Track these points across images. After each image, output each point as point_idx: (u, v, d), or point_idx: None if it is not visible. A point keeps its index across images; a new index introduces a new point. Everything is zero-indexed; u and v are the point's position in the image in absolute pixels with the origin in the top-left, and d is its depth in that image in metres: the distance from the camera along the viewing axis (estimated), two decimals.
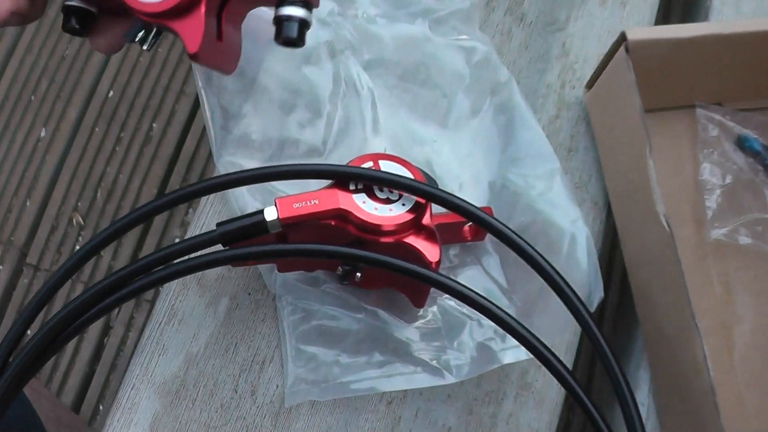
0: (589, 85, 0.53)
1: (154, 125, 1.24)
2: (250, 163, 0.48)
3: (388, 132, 0.50)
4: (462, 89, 0.51)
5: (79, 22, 0.41)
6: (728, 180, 0.52)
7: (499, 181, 0.49)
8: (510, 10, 0.57)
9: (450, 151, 0.50)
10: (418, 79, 0.52)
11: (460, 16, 0.53)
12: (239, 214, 0.41)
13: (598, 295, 0.43)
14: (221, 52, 0.41)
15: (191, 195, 0.41)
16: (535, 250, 0.40)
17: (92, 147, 1.23)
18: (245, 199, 0.47)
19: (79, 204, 1.21)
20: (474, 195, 0.50)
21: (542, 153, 0.49)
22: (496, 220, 0.40)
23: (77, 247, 1.17)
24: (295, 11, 0.39)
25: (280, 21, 0.39)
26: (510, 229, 0.40)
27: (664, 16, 0.60)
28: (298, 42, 0.39)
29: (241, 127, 0.49)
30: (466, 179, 0.50)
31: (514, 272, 0.48)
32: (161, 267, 0.40)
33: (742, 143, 0.53)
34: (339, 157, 0.49)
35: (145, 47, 0.41)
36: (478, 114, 0.51)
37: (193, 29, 0.39)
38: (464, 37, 0.53)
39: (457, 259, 0.48)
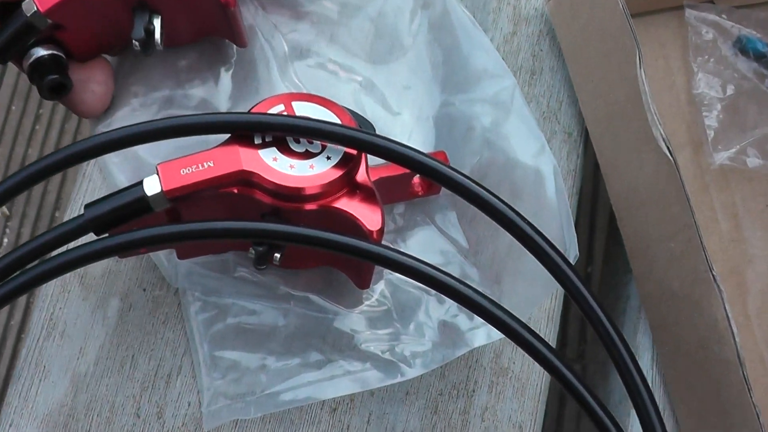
0: None
1: None
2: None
3: (301, 73, 0.40)
4: (386, 5, 0.41)
5: (58, 72, 0.35)
6: (729, 91, 0.42)
7: (446, 114, 0.39)
8: None
9: (384, 86, 0.40)
10: (335, 3, 0.41)
11: None
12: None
13: (573, 252, 0.34)
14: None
15: (36, 175, 0.31)
16: (504, 203, 0.30)
17: (10, 128, 1.11)
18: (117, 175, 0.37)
19: None
20: (418, 137, 0.40)
21: (494, 72, 0.39)
22: (452, 169, 0.31)
23: (5, 240, 1.06)
24: None
25: None
26: (470, 179, 0.30)
27: None
28: None
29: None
30: (406, 118, 0.40)
31: (475, 229, 0.38)
32: (23, 270, 0.30)
33: (742, 46, 0.43)
34: (244, 108, 0.39)
35: (158, 43, 0.36)
36: (411, 38, 0.41)
37: None
38: None
39: (403, 219, 0.38)
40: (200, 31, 0.38)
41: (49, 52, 0.34)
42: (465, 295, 0.30)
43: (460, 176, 0.30)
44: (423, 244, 0.37)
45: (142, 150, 0.37)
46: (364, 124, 0.33)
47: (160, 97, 0.39)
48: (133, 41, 0.34)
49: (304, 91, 0.39)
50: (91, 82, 0.37)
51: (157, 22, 0.35)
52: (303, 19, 0.40)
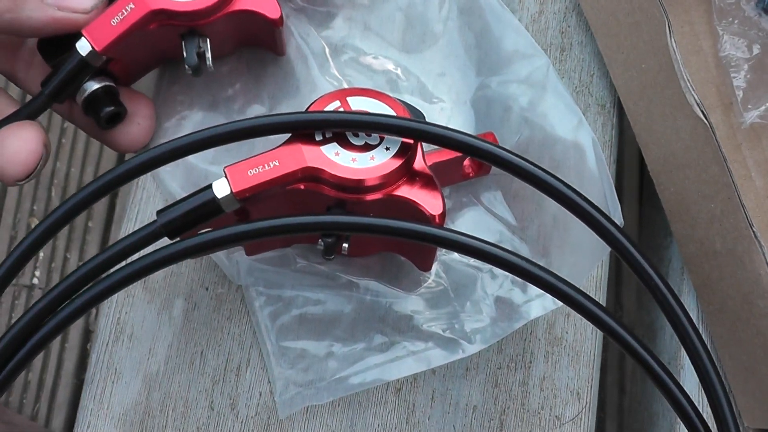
0: None
1: None
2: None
3: (339, 68, 0.41)
4: None
5: (114, 103, 0.37)
6: (755, 51, 0.43)
7: (482, 97, 0.41)
8: None
9: (419, 74, 0.41)
10: None
11: None
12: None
13: (618, 219, 0.35)
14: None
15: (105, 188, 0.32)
16: (552, 175, 0.31)
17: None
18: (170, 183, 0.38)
19: (35, 207, 1.11)
20: (458, 121, 0.41)
21: (526, 52, 0.40)
22: (501, 148, 0.32)
23: (41, 255, 1.08)
24: None
25: None
26: (520, 157, 0.32)
27: None
28: None
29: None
30: (445, 103, 0.41)
31: (520, 205, 0.40)
32: (101, 278, 0.32)
33: (765, 5, 0.43)
34: (286, 106, 0.40)
35: (209, 65, 0.37)
36: (442, 24, 0.42)
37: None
38: None
39: (449, 201, 0.40)
40: (243, 44, 0.40)
41: (102, 84, 0.36)
42: (523, 268, 0.31)
43: (510, 155, 0.31)
44: (473, 224, 0.39)
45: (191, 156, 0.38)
46: (414, 113, 0.34)
47: (204, 103, 0.40)
48: (186, 66, 0.36)
49: (351, 86, 0.40)
50: (137, 116, 0.38)
51: (206, 46, 0.36)
52: (335, 15, 0.41)
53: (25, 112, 0.35)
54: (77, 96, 0.36)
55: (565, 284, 0.31)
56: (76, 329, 1.01)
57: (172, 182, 0.39)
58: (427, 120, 0.36)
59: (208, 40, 0.36)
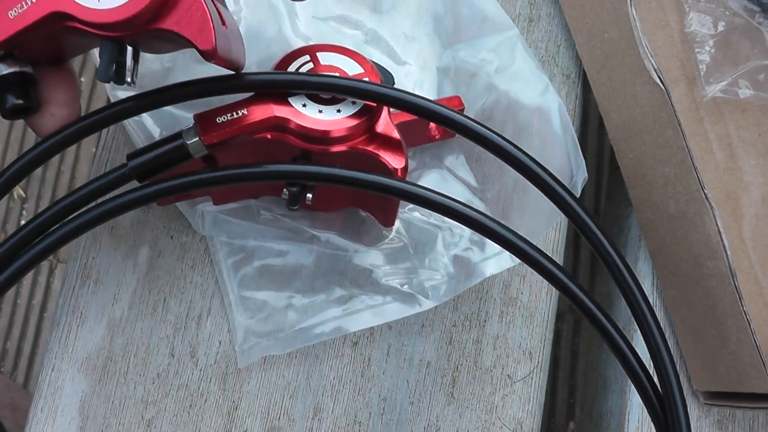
0: None
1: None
2: None
3: (309, 26, 0.41)
4: None
5: (23, 96, 0.31)
6: (720, 28, 0.43)
7: (451, 64, 0.41)
8: None
9: (389, 37, 0.42)
10: None
11: None
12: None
13: (582, 175, 0.36)
14: (231, 41, 0.31)
15: (81, 132, 0.33)
16: (511, 143, 0.32)
17: None
18: (149, 128, 0.38)
19: None
20: (424, 85, 0.41)
21: (495, 22, 0.41)
22: (463, 115, 0.33)
23: (22, 222, 1.08)
24: None
25: None
26: (480, 124, 0.32)
27: None
28: None
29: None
30: (412, 67, 0.42)
31: (482, 167, 0.40)
32: (70, 217, 0.32)
33: None
34: (256, 65, 0.41)
35: (129, 80, 0.30)
36: None
37: (195, 20, 0.29)
38: None
39: (413, 161, 0.40)
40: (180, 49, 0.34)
41: (13, 69, 0.31)
42: (482, 223, 0.32)
43: (469, 121, 0.32)
44: (435, 185, 0.39)
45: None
46: (384, 73, 0.35)
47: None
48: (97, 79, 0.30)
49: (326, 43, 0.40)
50: (53, 104, 0.32)
51: (128, 55, 0.30)
52: None
53: None
54: None
55: (522, 240, 0.32)
56: (54, 299, 1.02)
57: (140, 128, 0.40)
58: (395, 79, 0.37)
59: (132, 50, 0.29)
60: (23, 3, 0.29)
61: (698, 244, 0.35)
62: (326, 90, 0.33)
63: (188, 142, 0.32)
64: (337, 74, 0.34)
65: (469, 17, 0.42)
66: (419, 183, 0.40)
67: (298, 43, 0.41)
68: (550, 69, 0.43)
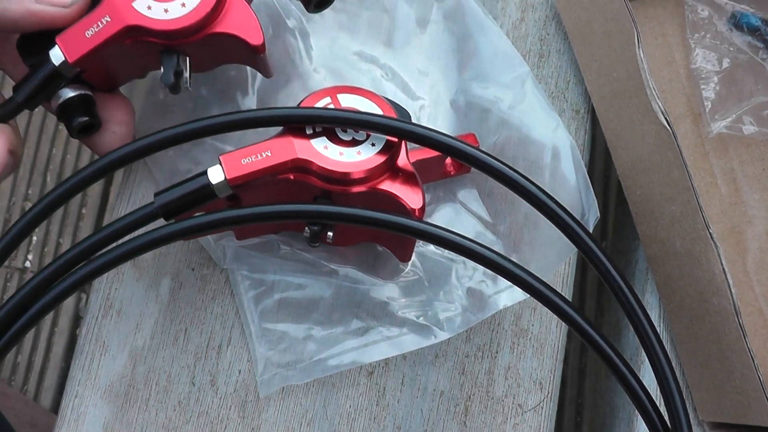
0: None
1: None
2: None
3: (326, 63, 0.43)
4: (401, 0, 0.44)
5: (88, 114, 0.35)
6: (725, 64, 0.45)
7: (462, 99, 0.43)
8: None
9: (403, 72, 0.43)
10: None
11: None
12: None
13: (594, 214, 0.37)
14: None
15: (102, 171, 0.34)
16: (526, 178, 0.33)
17: (34, 129, 1.15)
18: (172, 164, 0.40)
19: (30, 191, 1.12)
20: (437, 119, 0.43)
21: (507, 59, 0.42)
22: (479, 150, 0.34)
23: (34, 239, 1.10)
24: None
25: None
26: (496, 159, 0.34)
27: None
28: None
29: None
30: (426, 101, 0.43)
31: (494, 202, 0.42)
32: (100, 253, 0.33)
33: (737, 21, 0.46)
34: (276, 101, 0.42)
35: (188, 86, 0.35)
36: (426, 26, 0.44)
37: (244, 21, 0.35)
38: None
39: (428, 195, 0.42)
40: (228, 63, 0.40)
41: (77, 92, 0.35)
42: (495, 262, 0.33)
43: (487, 157, 0.33)
44: (449, 219, 0.41)
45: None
46: (401, 112, 0.36)
47: (196, 89, 0.42)
48: (162, 85, 0.34)
49: (339, 82, 0.42)
50: (113, 123, 0.36)
51: (185, 65, 0.35)
52: (326, 12, 0.43)
53: None
54: (53, 101, 0.35)
55: (533, 278, 0.33)
56: (66, 314, 1.03)
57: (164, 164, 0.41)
58: (411, 116, 0.38)
59: (187, 59, 0.35)
60: (99, 22, 0.33)
61: (703, 280, 0.36)
62: (354, 125, 0.34)
63: (214, 183, 0.33)
64: (362, 111, 0.35)
65: (480, 52, 0.43)
66: (433, 217, 0.41)
67: (315, 79, 0.42)
68: (560, 104, 0.44)
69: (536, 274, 0.36)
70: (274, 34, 0.42)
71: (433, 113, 0.43)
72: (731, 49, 0.46)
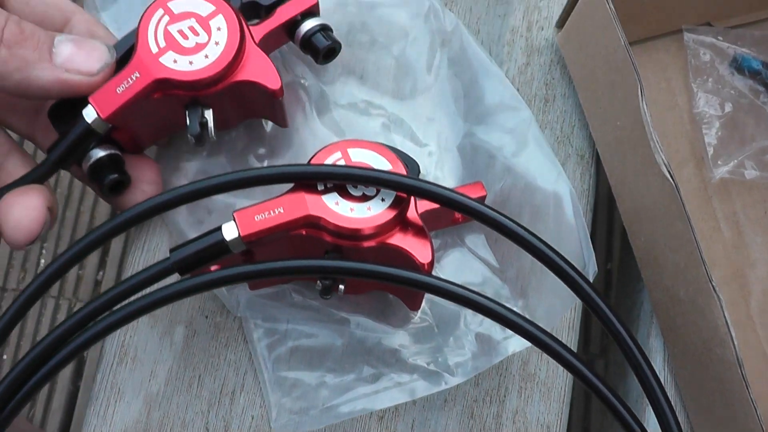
0: (560, 23, 0.46)
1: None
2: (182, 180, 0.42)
3: (335, 111, 0.44)
4: (409, 48, 0.45)
5: (119, 171, 0.37)
6: (727, 109, 0.46)
7: (469, 144, 0.43)
8: None
9: (410, 120, 0.44)
10: (362, 42, 0.45)
11: None
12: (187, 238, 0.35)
13: (593, 268, 0.38)
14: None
15: (120, 228, 0.35)
16: (531, 233, 0.34)
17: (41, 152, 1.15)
18: (184, 213, 0.41)
19: (44, 245, 1.13)
20: (445, 165, 0.44)
21: (511, 104, 0.43)
22: (486, 206, 0.35)
23: (42, 261, 1.10)
24: (312, 22, 0.40)
25: (307, 40, 0.41)
26: (503, 216, 0.34)
27: None
28: (335, 49, 0.41)
29: None
30: (433, 148, 0.44)
31: (500, 248, 0.42)
32: (117, 308, 0.34)
33: (738, 65, 0.47)
34: (286, 148, 0.43)
35: (212, 137, 0.38)
36: (431, 71, 0.45)
37: (262, 68, 0.37)
38: None
39: (436, 241, 0.42)
40: (247, 117, 0.42)
41: (107, 152, 0.36)
42: (504, 317, 0.33)
43: (493, 213, 0.34)
44: (457, 264, 0.42)
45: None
46: (410, 163, 0.37)
47: (207, 144, 0.43)
48: (189, 136, 0.36)
49: (348, 131, 0.43)
50: (142, 181, 0.38)
51: (209, 116, 0.37)
52: (333, 61, 0.44)
53: (32, 177, 0.36)
54: (83, 162, 0.36)
55: (539, 330, 0.34)
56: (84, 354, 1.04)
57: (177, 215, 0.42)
58: (419, 166, 0.39)
59: (211, 110, 0.37)
60: (129, 78, 0.35)
61: (707, 330, 0.37)
62: (364, 182, 0.35)
63: (228, 240, 0.34)
64: (372, 168, 0.36)
65: (485, 98, 0.44)
66: (441, 262, 0.42)
67: (325, 131, 0.43)
68: (565, 149, 0.45)
69: (543, 320, 0.37)
70: (284, 84, 0.43)
71: (440, 159, 0.44)
72: (733, 92, 0.46)
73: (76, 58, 0.34)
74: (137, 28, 0.36)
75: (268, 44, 0.40)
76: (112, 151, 0.37)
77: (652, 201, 0.39)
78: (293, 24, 0.41)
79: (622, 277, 0.48)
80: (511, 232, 0.35)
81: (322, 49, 0.40)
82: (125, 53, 0.37)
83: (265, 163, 0.43)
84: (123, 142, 0.38)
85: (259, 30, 0.39)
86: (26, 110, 0.39)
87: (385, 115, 0.44)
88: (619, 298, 0.51)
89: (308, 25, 0.40)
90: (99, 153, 0.36)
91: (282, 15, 0.40)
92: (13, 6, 0.36)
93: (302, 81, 0.44)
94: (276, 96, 0.38)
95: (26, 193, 0.35)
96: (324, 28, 0.41)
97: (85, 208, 1.12)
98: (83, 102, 0.35)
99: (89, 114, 0.35)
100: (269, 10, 0.40)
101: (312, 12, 0.41)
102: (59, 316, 1.06)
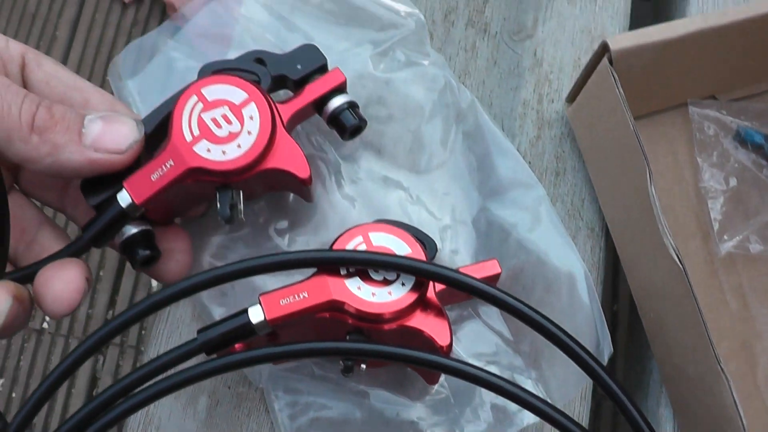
0: (570, 98, 0.48)
1: None
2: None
3: (354, 187, 0.45)
4: (425, 122, 0.47)
5: (150, 247, 0.38)
6: (732, 183, 0.47)
7: (483, 219, 0.45)
8: (471, 22, 0.52)
9: (426, 194, 0.46)
10: (380, 116, 0.47)
11: (409, 41, 0.47)
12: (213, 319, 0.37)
13: (608, 348, 0.39)
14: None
15: (144, 313, 0.36)
16: (545, 317, 0.36)
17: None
18: (207, 295, 0.42)
19: None
20: (460, 239, 0.45)
21: (525, 180, 0.45)
22: (501, 291, 0.36)
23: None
24: (340, 99, 0.41)
25: (335, 117, 0.41)
26: (519, 301, 0.36)
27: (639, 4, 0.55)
28: (362, 127, 0.42)
29: None
30: (448, 221, 0.45)
31: (515, 321, 0.43)
32: (144, 387, 0.36)
33: (741, 138, 0.48)
34: (306, 221, 0.45)
35: (242, 217, 0.38)
36: (447, 146, 0.46)
37: (292, 156, 0.38)
38: (416, 62, 0.48)
39: (452, 313, 0.44)
40: (273, 191, 0.43)
41: (139, 228, 0.37)
42: (517, 395, 0.35)
43: (510, 299, 0.36)
44: (472, 336, 0.43)
45: None
46: (428, 243, 0.39)
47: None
48: (219, 217, 0.37)
49: (359, 206, 0.44)
50: (176, 251, 0.40)
51: (238, 198, 0.38)
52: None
53: (68, 252, 0.37)
54: (116, 237, 0.37)
55: (553, 409, 0.35)
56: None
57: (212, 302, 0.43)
58: (437, 244, 0.41)
59: (241, 192, 0.38)
60: (163, 166, 0.36)
61: (716, 407, 0.38)
62: (385, 267, 0.36)
63: (254, 322, 0.35)
64: (392, 254, 0.37)
65: (499, 173, 0.45)
66: (457, 335, 0.43)
67: (342, 204, 0.44)
68: (576, 222, 0.47)
69: (558, 392, 0.40)
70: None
71: (455, 233, 0.45)
72: (737, 166, 0.48)
73: (105, 137, 0.35)
74: (172, 114, 0.37)
75: (295, 120, 0.41)
76: (144, 228, 0.38)
77: (661, 280, 0.41)
78: (322, 100, 0.41)
79: (631, 344, 0.50)
80: (526, 316, 0.36)
81: (350, 127, 0.41)
82: (155, 129, 0.38)
83: (287, 237, 0.44)
84: (155, 218, 0.39)
85: (289, 108, 0.40)
86: (55, 185, 0.40)
87: (402, 188, 0.46)
88: (628, 363, 0.53)
89: (336, 102, 0.41)
90: (131, 230, 0.37)
91: (311, 92, 0.41)
92: (33, 87, 0.37)
93: (322, 154, 0.46)
94: (305, 184, 0.39)
95: (65, 267, 0.35)
96: (352, 106, 0.42)
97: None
98: (115, 175, 0.36)
99: (124, 198, 0.36)
100: (298, 85, 0.41)
101: (340, 89, 0.42)
102: None
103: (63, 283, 0.35)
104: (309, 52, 0.42)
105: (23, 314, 0.35)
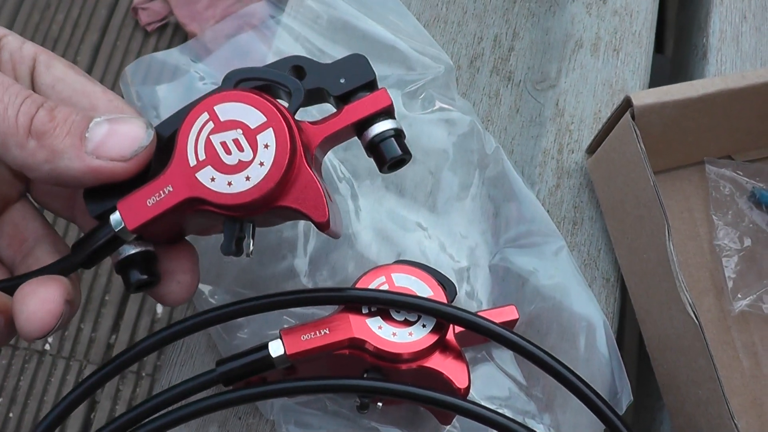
0: (590, 150, 0.49)
1: None
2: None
3: (373, 224, 0.46)
4: (447, 165, 0.48)
5: (146, 272, 0.34)
6: (746, 243, 0.48)
7: (501, 264, 0.46)
8: (496, 69, 0.53)
9: (444, 236, 0.46)
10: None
11: (436, 84, 0.49)
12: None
13: (627, 396, 0.40)
14: (335, 213, 0.35)
15: (173, 337, 0.37)
16: (561, 363, 0.36)
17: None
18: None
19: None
20: (477, 282, 0.46)
21: (544, 230, 0.45)
22: (523, 339, 0.37)
23: None
24: (386, 125, 0.35)
25: (375, 145, 0.35)
26: (536, 346, 0.36)
27: (659, 59, 0.57)
28: (405, 160, 0.36)
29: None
30: (465, 263, 0.46)
31: (528, 365, 0.44)
32: (160, 414, 0.36)
33: (756, 199, 0.49)
34: (326, 260, 0.45)
35: (250, 253, 0.33)
36: (468, 190, 0.47)
37: (311, 197, 0.33)
38: (444, 106, 0.49)
39: (466, 355, 0.44)
40: (290, 220, 0.39)
41: (138, 249, 0.33)
42: None
43: (529, 345, 0.36)
44: (486, 379, 0.43)
45: None
46: (448, 285, 0.39)
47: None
48: (221, 252, 0.33)
49: (376, 246, 0.45)
50: (178, 272, 0.35)
51: (247, 231, 0.33)
52: (374, 173, 0.46)
53: (56, 269, 0.33)
54: (113, 258, 0.34)
55: None
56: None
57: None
58: (457, 291, 0.41)
59: (251, 225, 0.33)
60: (161, 191, 0.32)
61: None
62: (406, 309, 0.37)
63: (274, 356, 0.36)
64: (414, 296, 0.38)
65: (518, 220, 0.46)
66: (471, 376, 0.44)
67: (363, 240, 0.45)
68: (592, 272, 0.47)
69: None
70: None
71: (473, 276, 0.46)
72: (751, 226, 0.49)
73: (109, 143, 0.31)
74: (178, 132, 0.32)
75: (330, 142, 0.36)
76: (144, 249, 0.34)
77: (676, 334, 0.41)
78: (364, 122, 0.35)
79: (641, 390, 0.50)
80: (545, 364, 0.36)
81: (391, 159, 0.35)
82: (168, 140, 0.34)
83: (305, 271, 0.45)
84: (154, 240, 0.35)
85: (324, 128, 0.35)
86: (63, 192, 0.37)
87: (421, 229, 0.46)
88: (637, 410, 0.53)
89: (381, 127, 0.35)
90: (129, 250, 0.33)
91: (354, 113, 0.35)
92: (40, 91, 0.34)
93: (345, 192, 0.46)
94: (322, 229, 0.33)
95: (44, 285, 0.31)
96: (398, 134, 0.35)
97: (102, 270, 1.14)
98: (123, 184, 0.32)
99: (116, 221, 0.32)
100: (339, 102, 0.36)
101: (387, 112, 0.35)
102: (69, 377, 1.06)
103: (38, 303, 0.31)
104: (356, 63, 0.36)
105: (4, 328, 0.32)
